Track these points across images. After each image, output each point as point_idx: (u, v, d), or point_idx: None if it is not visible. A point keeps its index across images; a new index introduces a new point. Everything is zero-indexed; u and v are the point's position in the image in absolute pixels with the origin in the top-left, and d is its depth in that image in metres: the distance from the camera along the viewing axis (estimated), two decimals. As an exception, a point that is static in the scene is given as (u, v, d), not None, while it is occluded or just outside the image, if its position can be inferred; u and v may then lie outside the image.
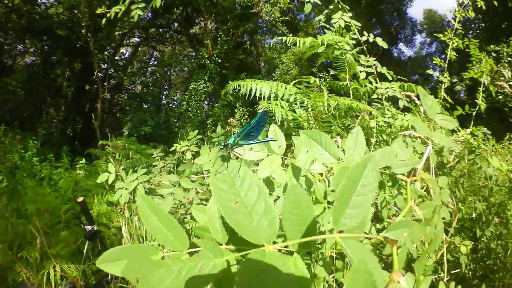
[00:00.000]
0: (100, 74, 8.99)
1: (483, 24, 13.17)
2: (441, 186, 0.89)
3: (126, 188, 1.23)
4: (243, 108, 7.55)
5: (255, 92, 2.49)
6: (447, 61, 2.06)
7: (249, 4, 7.84)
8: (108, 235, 1.89)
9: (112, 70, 9.92)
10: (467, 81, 2.31)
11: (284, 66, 10.48)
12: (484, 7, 1.69)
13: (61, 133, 9.26)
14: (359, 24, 2.06)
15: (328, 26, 2.38)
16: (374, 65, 1.92)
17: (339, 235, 0.30)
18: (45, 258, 1.74)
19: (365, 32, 2.06)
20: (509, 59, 2.51)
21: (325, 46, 2.09)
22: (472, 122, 1.61)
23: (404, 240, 0.36)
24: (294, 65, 10.40)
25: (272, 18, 8.29)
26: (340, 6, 2.14)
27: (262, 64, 13.39)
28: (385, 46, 2.07)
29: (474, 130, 1.43)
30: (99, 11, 1.61)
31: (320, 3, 2.23)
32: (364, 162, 0.34)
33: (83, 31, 8.70)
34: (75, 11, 8.55)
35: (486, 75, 1.69)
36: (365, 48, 2.08)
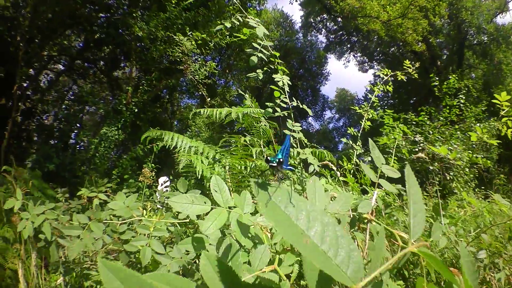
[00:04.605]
0: (18, 92, 7.53)
1: (392, 101, 15.76)
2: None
3: (32, 221, 0.96)
4: (152, 165, 7.42)
5: (175, 144, 2.47)
6: (360, 131, 2.39)
7: (178, 60, 8.02)
8: (2, 277, 1.43)
9: (31, 92, 8.63)
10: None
11: (196, 128, 10.63)
12: (404, 80, 2.08)
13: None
14: (288, 90, 2.25)
15: (243, 94, 2.60)
16: (298, 130, 2.08)
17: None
18: None
19: (293, 98, 2.24)
20: (415, 128, 3.11)
21: (241, 117, 2.26)
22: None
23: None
24: (206, 128, 10.69)
25: (196, 78, 8.54)
26: (279, 69, 2.33)
27: (175, 122, 13.32)
28: (310, 113, 2.30)
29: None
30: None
31: (266, 59, 2.37)
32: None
33: (18, 36, 7.38)
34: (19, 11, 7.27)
35: (399, 140, 2.00)
36: (292, 113, 2.26)
